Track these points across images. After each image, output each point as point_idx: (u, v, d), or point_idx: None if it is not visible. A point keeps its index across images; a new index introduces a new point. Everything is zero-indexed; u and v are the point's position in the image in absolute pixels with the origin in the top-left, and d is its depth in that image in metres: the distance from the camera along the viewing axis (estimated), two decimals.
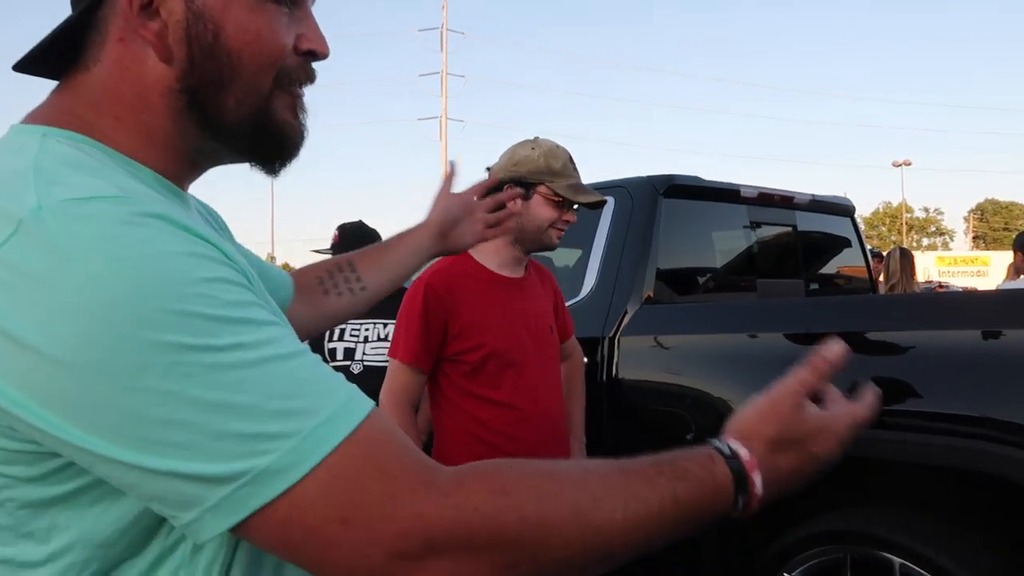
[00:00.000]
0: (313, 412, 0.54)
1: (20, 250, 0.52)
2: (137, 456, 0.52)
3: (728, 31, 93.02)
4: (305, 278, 1.13)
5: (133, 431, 0.51)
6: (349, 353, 2.92)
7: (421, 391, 1.94)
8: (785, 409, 0.70)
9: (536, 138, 2.05)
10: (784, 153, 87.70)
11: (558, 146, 2.03)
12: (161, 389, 0.51)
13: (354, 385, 0.59)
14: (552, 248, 2.05)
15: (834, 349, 0.74)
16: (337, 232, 3.21)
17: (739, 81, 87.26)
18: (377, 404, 1.93)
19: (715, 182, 2.90)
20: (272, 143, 0.72)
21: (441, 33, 30.50)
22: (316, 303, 1.13)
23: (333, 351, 2.92)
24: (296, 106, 0.73)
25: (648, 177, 2.74)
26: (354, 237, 3.09)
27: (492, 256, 2.00)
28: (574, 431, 2.18)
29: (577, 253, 2.83)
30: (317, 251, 4.23)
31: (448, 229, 1.27)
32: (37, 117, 0.67)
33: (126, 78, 0.67)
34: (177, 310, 0.52)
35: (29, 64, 0.71)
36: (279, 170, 0.75)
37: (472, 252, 1.98)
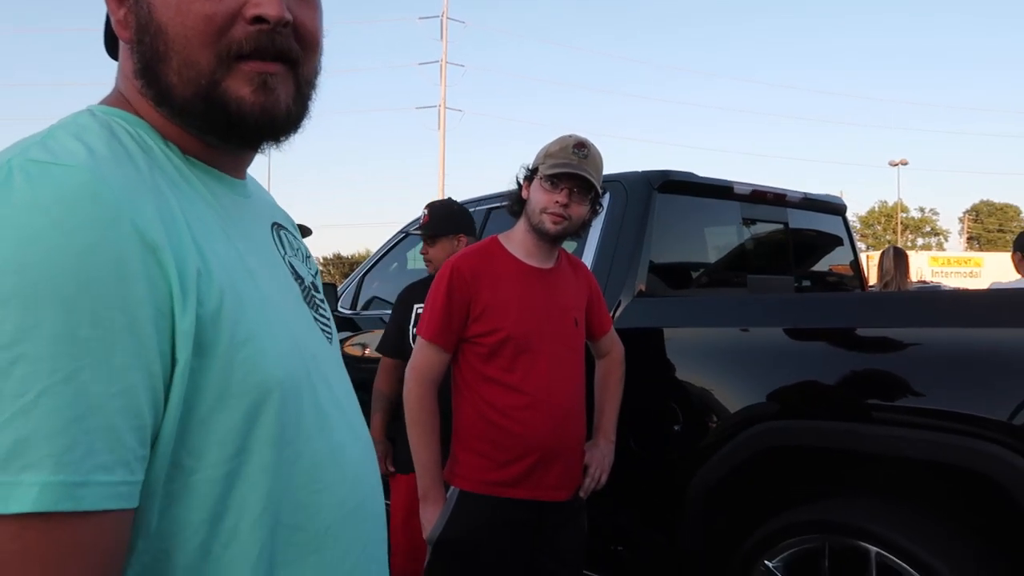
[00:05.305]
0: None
1: None
2: None
3: (723, 28, 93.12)
4: None
5: None
6: None
7: (443, 370, 2.01)
8: None
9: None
10: (782, 150, 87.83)
11: (573, 135, 2.01)
12: None
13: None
14: (549, 233, 1.98)
15: None
16: (426, 211, 2.91)
17: (737, 78, 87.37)
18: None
19: (709, 178, 2.94)
20: (226, 121, 0.68)
21: (442, 21, 30.38)
22: None
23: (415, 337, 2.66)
24: (259, 81, 0.68)
25: (643, 172, 2.78)
26: (443, 216, 2.87)
27: (519, 245, 2.06)
28: (603, 429, 2.17)
29: (572, 245, 2.87)
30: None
31: None
32: (104, 99, 0.73)
33: (123, 64, 0.72)
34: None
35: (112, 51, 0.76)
36: (261, 147, 0.75)
37: (503, 240, 2.06)
